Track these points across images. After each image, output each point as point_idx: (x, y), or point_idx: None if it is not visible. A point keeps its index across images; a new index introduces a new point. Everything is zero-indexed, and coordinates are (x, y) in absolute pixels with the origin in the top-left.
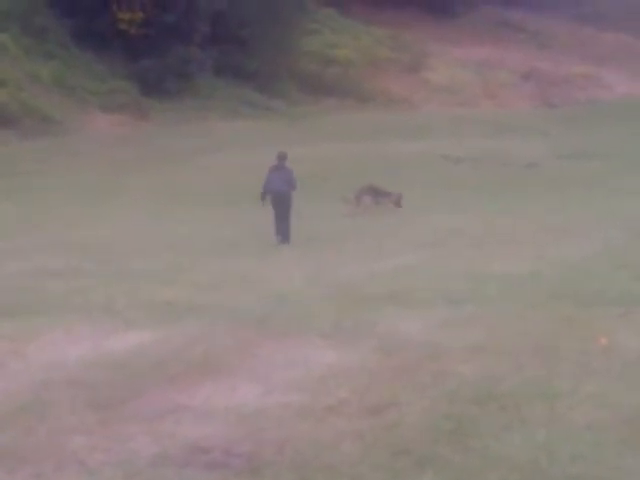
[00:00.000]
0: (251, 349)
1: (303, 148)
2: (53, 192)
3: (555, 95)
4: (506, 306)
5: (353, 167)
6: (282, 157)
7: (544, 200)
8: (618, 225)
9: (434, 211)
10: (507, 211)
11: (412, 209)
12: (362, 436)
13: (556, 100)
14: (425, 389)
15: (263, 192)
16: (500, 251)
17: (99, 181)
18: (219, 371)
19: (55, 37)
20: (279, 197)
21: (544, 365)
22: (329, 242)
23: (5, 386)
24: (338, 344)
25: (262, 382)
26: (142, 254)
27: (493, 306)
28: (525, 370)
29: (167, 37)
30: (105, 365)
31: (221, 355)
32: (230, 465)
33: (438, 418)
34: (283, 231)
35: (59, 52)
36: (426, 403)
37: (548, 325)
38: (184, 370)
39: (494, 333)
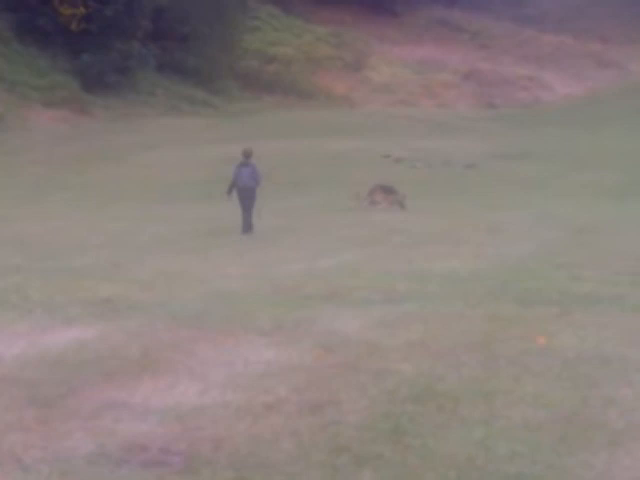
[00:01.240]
0: (190, 347)
1: (244, 145)
2: None
3: (496, 95)
4: (446, 305)
5: (294, 164)
6: (247, 154)
7: (484, 200)
8: (557, 225)
9: (374, 209)
10: (447, 210)
11: (354, 208)
12: (300, 434)
13: (497, 100)
14: (364, 387)
15: (231, 186)
16: (440, 250)
17: (41, 177)
18: (157, 369)
19: None
20: (245, 191)
21: (483, 364)
22: (271, 240)
23: None
24: (277, 342)
25: (201, 380)
26: (82, 251)
27: (433, 305)
28: (464, 369)
29: (108, 32)
30: (42, 362)
31: (160, 352)
32: (167, 463)
33: (377, 416)
34: (245, 222)
35: (0, 47)
36: (365, 401)
37: (487, 324)
38: (122, 367)
39: (433, 332)
